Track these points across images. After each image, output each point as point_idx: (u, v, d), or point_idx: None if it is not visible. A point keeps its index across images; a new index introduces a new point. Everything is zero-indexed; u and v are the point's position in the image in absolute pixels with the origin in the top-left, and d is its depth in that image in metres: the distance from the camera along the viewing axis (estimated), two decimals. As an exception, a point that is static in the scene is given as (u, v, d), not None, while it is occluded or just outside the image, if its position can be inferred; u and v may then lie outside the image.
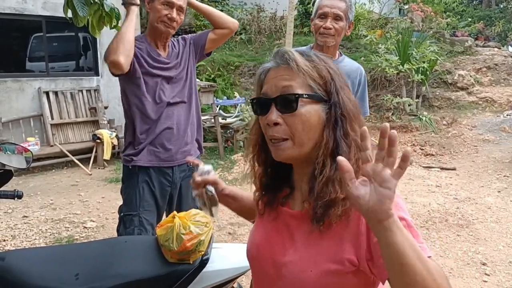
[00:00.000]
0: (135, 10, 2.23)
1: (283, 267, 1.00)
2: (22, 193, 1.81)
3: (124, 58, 2.08)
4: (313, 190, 0.95)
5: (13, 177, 1.93)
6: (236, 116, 7.92)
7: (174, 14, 2.18)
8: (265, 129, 0.99)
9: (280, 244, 1.03)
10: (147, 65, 2.24)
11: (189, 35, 2.50)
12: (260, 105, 1.00)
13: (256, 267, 1.12)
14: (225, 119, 7.78)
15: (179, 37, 2.45)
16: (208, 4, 10.79)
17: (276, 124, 0.95)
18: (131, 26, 2.18)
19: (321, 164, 0.94)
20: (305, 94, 0.95)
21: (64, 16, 2.54)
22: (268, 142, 1.00)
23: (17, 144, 1.99)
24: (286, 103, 0.95)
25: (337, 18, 2.13)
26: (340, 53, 2.30)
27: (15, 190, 1.80)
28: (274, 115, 0.95)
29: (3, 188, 1.83)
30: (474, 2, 16.33)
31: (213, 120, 7.27)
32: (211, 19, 2.44)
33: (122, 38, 2.11)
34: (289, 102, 0.94)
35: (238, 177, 5.97)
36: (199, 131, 2.51)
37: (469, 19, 12.50)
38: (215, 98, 7.69)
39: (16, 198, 1.78)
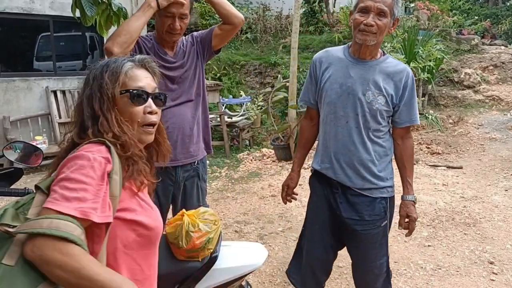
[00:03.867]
0: (147, 8, 2.11)
1: None
2: (33, 191, 1.82)
3: (118, 48, 2.03)
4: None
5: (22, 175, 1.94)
6: (242, 115, 7.94)
7: (177, 23, 2.16)
8: (139, 116, 1.24)
9: None
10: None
11: (198, 32, 2.46)
12: (140, 96, 1.25)
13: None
14: (231, 118, 7.80)
15: (189, 35, 2.43)
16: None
17: (156, 113, 1.28)
18: (138, 20, 2.10)
19: (163, 139, 1.40)
20: (167, 95, 1.37)
21: (71, 15, 2.56)
22: (138, 126, 1.25)
23: (27, 143, 2.01)
24: (160, 100, 1.31)
25: (381, 13, 1.86)
26: (383, 52, 2.07)
27: (25, 188, 1.81)
28: (154, 106, 1.27)
29: (13, 186, 1.84)
30: (481, 0, 16.23)
31: (219, 119, 7.28)
32: (220, 11, 2.35)
33: (124, 29, 2.08)
34: (160, 99, 1.31)
35: (244, 175, 5.98)
36: (207, 130, 2.49)
37: (476, 17, 12.44)
38: (221, 97, 7.71)
39: (26, 196, 1.79)
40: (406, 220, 2.12)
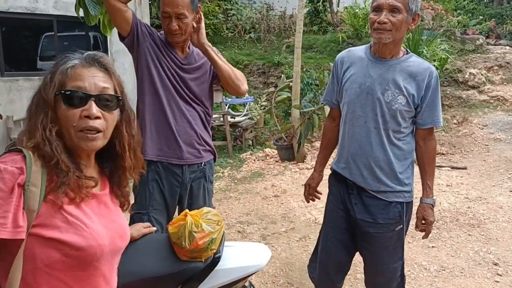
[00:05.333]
0: None
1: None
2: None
3: None
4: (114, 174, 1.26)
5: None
6: (245, 115, 7.94)
7: (174, 23, 2.12)
8: (74, 120, 1.10)
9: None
10: (163, 57, 2.22)
11: None
12: (75, 98, 1.11)
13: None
14: (234, 118, 7.79)
15: None
16: (217, 3, 10.68)
17: (97, 117, 1.12)
18: None
19: (128, 154, 1.22)
20: (120, 97, 1.19)
21: (75, 15, 2.57)
22: (76, 132, 1.11)
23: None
24: (107, 102, 1.15)
25: (394, 10, 1.83)
26: (407, 50, 2.03)
27: None
28: (95, 109, 1.11)
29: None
30: (485, 0, 16.15)
31: (222, 119, 7.28)
32: (220, 78, 2.30)
33: None
34: (110, 102, 1.15)
35: (247, 175, 5.98)
36: (211, 137, 2.48)
37: (480, 17, 12.38)
38: (224, 97, 7.70)
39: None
40: (423, 222, 2.10)
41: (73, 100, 1.10)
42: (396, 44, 1.95)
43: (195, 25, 2.21)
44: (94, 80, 1.13)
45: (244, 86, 2.35)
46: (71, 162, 1.11)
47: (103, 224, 1.16)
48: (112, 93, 1.16)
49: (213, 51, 2.26)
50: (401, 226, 2.06)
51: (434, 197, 2.10)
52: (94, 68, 1.15)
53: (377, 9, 1.87)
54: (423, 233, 2.15)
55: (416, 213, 2.12)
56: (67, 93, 1.10)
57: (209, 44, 2.26)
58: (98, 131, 1.12)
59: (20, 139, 1.11)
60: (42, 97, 1.11)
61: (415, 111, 1.98)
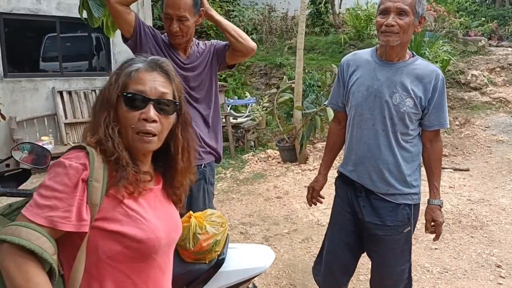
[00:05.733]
0: None
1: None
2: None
3: None
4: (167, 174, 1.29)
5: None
6: (247, 116, 7.94)
7: (174, 25, 2.14)
8: (133, 122, 1.15)
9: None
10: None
11: (217, 42, 2.45)
12: (136, 101, 1.15)
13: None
14: (236, 119, 7.80)
15: (209, 41, 2.43)
16: (219, 4, 10.70)
17: (154, 121, 1.15)
18: None
19: (180, 156, 1.26)
20: (177, 103, 1.22)
21: (77, 16, 2.58)
22: (133, 133, 1.16)
23: (35, 144, 2.01)
24: (165, 106, 1.18)
25: (401, 13, 1.85)
26: (413, 53, 2.05)
27: (34, 188, 1.81)
28: (153, 113, 1.15)
29: (21, 187, 1.84)
30: (487, 2, 16.13)
31: (224, 120, 7.29)
32: (228, 37, 2.32)
33: None
34: (168, 106, 1.19)
35: (249, 176, 5.98)
36: (217, 138, 2.49)
37: (482, 19, 12.36)
38: (226, 98, 7.71)
39: (34, 197, 1.79)
40: (432, 224, 2.09)
41: (134, 103, 1.15)
42: (403, 47, 1.96)
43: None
44: (155, 84, 1.18)
45: (252, 42, 2.38)
46: (129, 158, 1.16)
47: (159, 217, 1.20)
48: (171, 98, 1.20)
49: (216, 13, 2.35)
50: (409, 228, 2.06)
51: (441, 198, 2.10)
52: (155, 72, 1.20)
53: (385, 12, 1.89)
54: (433, 235, 2.13)
55: (425, 215, 2.12)
56: (128, 95, 1.15)
57: (211, 9, 2.34)
58: (154, 134, 1.17)
59: (84, 135, 1.18)
60: (106, 96, 1.17)
61: (422, 113, 1.99)
